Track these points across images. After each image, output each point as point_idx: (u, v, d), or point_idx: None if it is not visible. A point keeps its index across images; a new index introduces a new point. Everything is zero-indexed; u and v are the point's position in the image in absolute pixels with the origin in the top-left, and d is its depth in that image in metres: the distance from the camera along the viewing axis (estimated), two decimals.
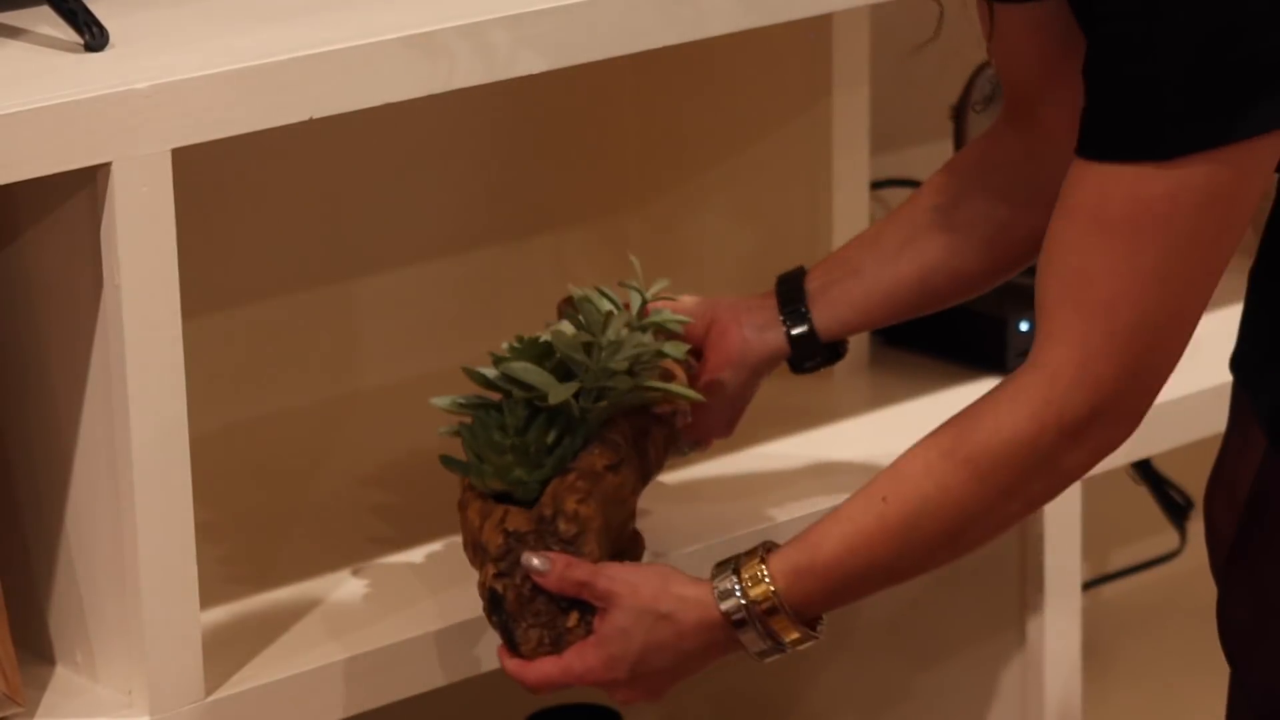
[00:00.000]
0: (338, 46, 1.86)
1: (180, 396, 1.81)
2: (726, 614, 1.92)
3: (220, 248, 2.19)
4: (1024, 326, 2.42)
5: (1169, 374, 1.83)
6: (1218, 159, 1.73)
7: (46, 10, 1.85)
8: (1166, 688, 2.00)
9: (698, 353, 2.19)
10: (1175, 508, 2.60)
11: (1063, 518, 2.22)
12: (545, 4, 1.98)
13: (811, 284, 2.18)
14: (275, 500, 2.24)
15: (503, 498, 2.04)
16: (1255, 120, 1.74)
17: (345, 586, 2.06)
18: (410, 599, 2.06)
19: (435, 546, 2.15)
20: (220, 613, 1.97)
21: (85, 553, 1.86)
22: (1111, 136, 1.76)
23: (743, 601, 1.92)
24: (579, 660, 1.97)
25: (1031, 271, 2.39)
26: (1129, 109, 1.76)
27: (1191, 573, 2.70)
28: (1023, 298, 2.35)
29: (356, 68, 1.88)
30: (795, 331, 2.18)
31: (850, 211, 2.29)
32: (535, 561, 1.96)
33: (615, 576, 1.97)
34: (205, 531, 1.93)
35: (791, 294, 2.18)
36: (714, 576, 1.93)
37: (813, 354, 2.20)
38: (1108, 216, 1.77)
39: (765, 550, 1.94)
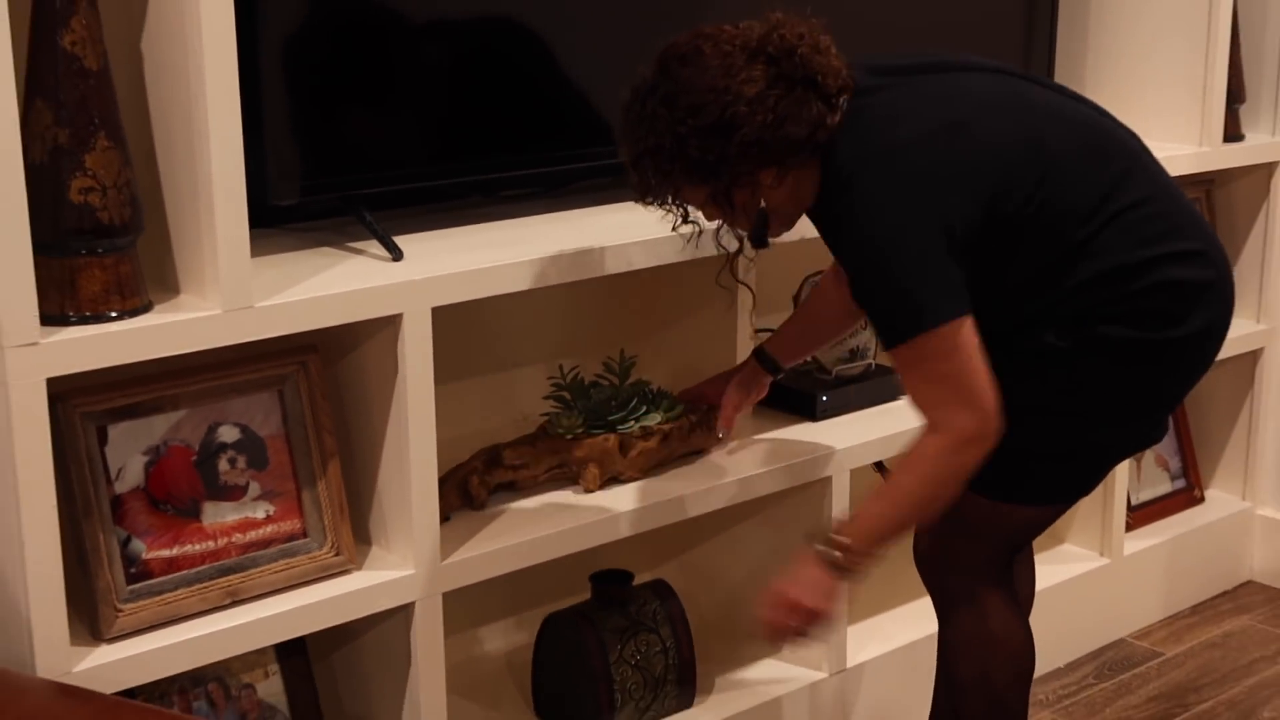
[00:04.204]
0: (515, 261, 1.88)
1: (431, 421, 1.82)
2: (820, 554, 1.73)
3: (446, 350, 2.22)
4: (825, 399, 2.29)
5: (989, 415, 1.68)
6: (929, 336, 1.66)
7: (374, 241, 1.89)
8: (894, 572, 1.98)
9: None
10: None
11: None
12: (623, 238, 1.98)
13: (769, 345, 2.11)
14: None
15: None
16: (934, 317, 1.66)
17: (513, 506, 1.99)
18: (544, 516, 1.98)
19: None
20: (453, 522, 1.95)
21: (388, 490, 1.86)
22: (883, 335, 1.71)
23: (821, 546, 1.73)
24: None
25: (824, 369, 2.34)
26: (880, 320, 1.70)
27: None
28: (823, 384, 2.33)
29: (522, 273, 1.88)
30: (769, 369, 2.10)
31: (744, 346, 2.22)
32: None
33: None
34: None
35: (762, 354, 2.10)
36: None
37: (774, 371, 2.11)
38: (903, 363, 1.70)
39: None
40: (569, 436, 2.04)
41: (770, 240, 1.82)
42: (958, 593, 1.93)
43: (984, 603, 1.91)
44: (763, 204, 1.74)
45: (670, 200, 1.77)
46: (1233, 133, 2.76)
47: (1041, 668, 2.26)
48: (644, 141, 1.70)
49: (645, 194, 1.76)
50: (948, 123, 1.70)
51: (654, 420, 2.08)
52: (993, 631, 1.92)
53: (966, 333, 1.68)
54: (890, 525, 1.75)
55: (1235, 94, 2.73)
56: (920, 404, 1.72)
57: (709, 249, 2.06)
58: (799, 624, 1.75)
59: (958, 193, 1.68)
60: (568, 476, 2.07)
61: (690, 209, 1.81)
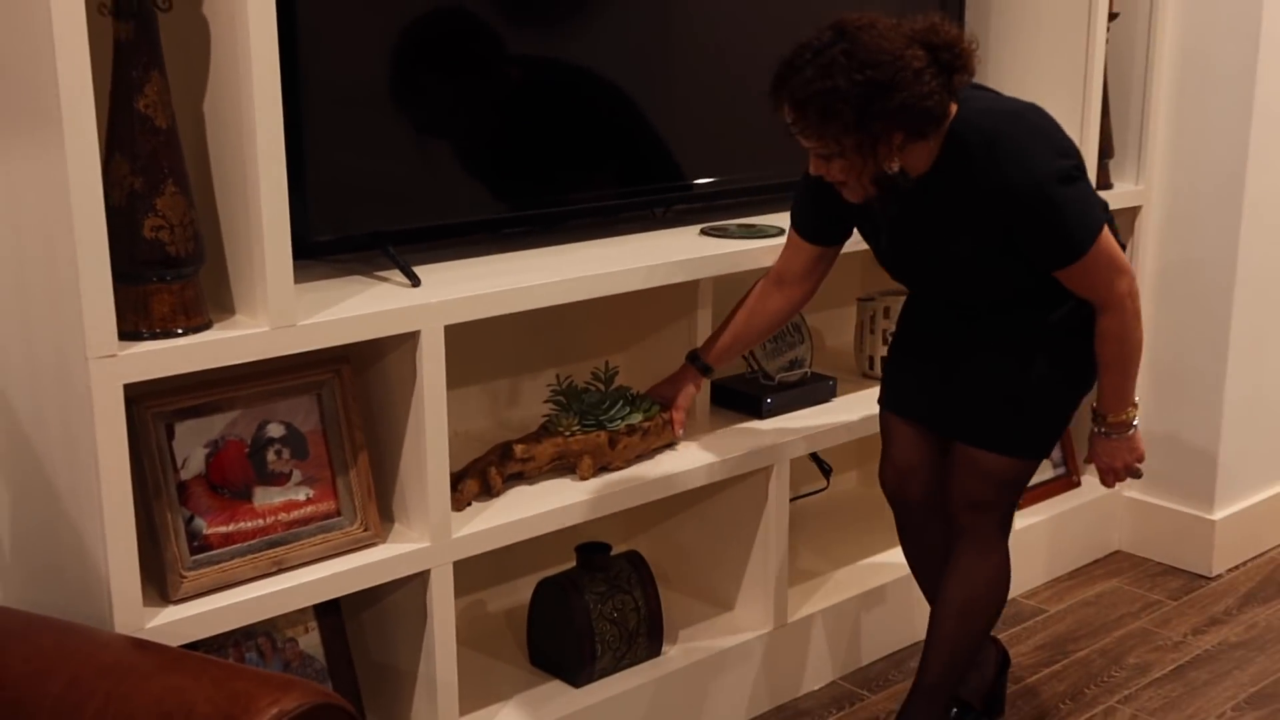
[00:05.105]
0: (515, 287, 1.84)
1: (443, 419, 1.80)
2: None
3: (456, 360, 2.16)
4: (769, 401, 2.27)
5: (1128, 269, 1.77)
6: (1099, 238, 1.73)
7: (396, 271, 1.88)
8: (826, 543, 1.96)
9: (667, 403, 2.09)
10: (825, 469, 2.60)
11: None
12: (602, 269, 1.94)
13: (702, 352, 2.09)
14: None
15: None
16: (1099, 222, 1.74)
17: (514, 490, 1.96)
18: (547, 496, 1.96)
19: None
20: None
21: (408, 477, 1.83)
22: (1062, 255, 1.74)
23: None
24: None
25: (767, 378, 2.31)
26: (1060, 242, 1.74)
27: (830, 496, 2.70)
28: (768, 389, 2.30)
29: (521, 297, 1.85)
30: (701, 370, 2.09)
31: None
32: None
33: None
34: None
35: (695, 358, 2.09)
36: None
37: (706, 373, 2.09)
38: (1081, 272, 1.74)
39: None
40: (567, 434, 2.02)
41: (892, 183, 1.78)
42: (989, 534, 1.92)
43: (1003, 548, 1.93)
44: (897, 161, 1.72)
45: (831, 137, 1.68)
46: (1104, 182, 2.79)
47: None
48: (816, 83, 1.64)
49: (804, 131, 1.69)
50: (1030, 104, 1.76)
51: (635, 419, 2.07)
52: (1003, 573, 1.94)
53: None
54: (1127, 381, 1.83)
55: (1106, 150, 2.76)
56: (1086, 291, 1.77)
57: (670, 277, 2.05)
58: (1128, 474, 1.90)
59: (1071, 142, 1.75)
60: (566, 467, 2.05)
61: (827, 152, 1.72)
